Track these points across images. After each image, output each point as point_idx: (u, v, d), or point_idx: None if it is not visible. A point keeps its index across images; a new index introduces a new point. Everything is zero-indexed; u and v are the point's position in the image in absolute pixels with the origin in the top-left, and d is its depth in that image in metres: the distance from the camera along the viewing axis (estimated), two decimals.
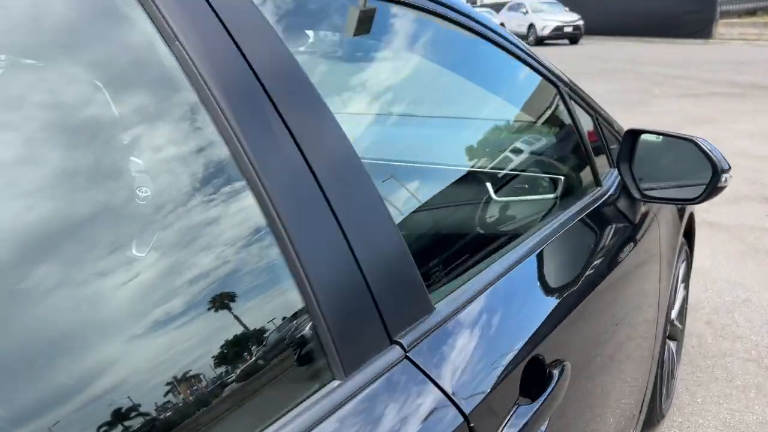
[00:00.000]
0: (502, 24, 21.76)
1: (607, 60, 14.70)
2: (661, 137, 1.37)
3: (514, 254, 1.07)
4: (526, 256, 1.08)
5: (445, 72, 1.42)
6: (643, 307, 1.57)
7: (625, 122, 1.75)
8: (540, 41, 20.19)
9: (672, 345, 2.30)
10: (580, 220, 1.33)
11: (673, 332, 2.29)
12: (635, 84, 10.56)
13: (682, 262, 2.29)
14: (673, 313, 2.23)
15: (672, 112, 7.95)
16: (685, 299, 2.51)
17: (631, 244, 1.47)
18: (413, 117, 1.52)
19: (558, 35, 20.23)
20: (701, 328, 2.88)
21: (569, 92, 1.49)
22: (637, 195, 1.38)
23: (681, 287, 2.33)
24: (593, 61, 14.56)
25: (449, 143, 1.56)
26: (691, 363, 2.61)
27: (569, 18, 20.40)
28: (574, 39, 20.42)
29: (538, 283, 1.09)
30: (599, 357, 1.22)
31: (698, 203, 1.31)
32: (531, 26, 20.68)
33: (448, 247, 1.11)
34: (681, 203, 1.40)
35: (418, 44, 1.28)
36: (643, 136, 1.38)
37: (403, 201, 1.19)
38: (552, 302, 1.05)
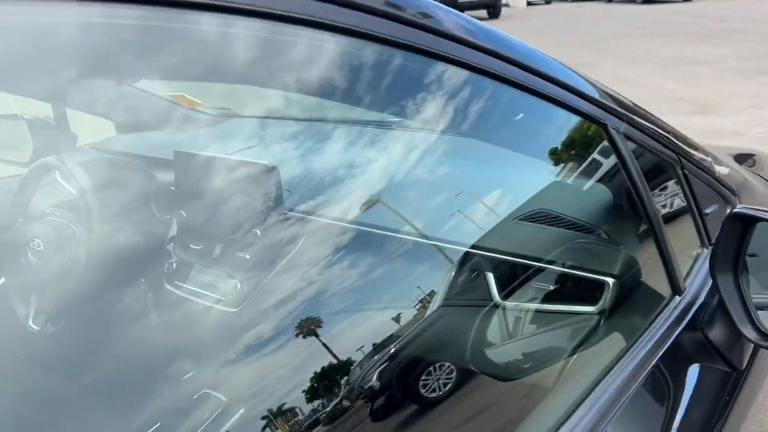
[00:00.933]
0: None
1: (724, 19, 12.98)
2: None
3: None
4: None
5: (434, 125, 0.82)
6: None
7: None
8: None
9: None
10: (647, 369, 0.75)
11: None
12: (756, 48, 9.09)
13: None
14: None
15: None
16: None
17: (735, 401, 0.84)
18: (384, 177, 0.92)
19: None
20: None
21: (627, 131, 0.86)
22: (751, 335, 0.74)
23: None
24: (706, 20, 12.90)
25: (426, 212, 0.95)
26: None
27: None
28: None
29: None
30: None
31: None
32: None
33: None
34: None
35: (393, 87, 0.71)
36: (762, 225, 0.73)
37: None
38: None
